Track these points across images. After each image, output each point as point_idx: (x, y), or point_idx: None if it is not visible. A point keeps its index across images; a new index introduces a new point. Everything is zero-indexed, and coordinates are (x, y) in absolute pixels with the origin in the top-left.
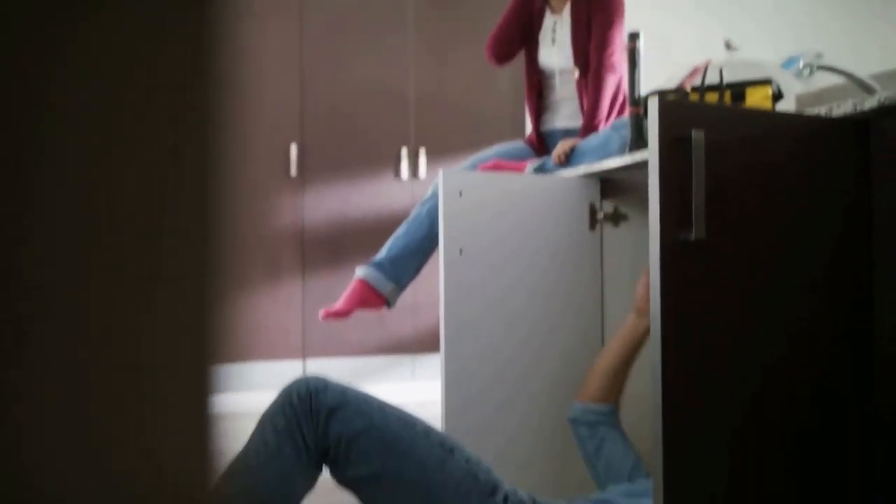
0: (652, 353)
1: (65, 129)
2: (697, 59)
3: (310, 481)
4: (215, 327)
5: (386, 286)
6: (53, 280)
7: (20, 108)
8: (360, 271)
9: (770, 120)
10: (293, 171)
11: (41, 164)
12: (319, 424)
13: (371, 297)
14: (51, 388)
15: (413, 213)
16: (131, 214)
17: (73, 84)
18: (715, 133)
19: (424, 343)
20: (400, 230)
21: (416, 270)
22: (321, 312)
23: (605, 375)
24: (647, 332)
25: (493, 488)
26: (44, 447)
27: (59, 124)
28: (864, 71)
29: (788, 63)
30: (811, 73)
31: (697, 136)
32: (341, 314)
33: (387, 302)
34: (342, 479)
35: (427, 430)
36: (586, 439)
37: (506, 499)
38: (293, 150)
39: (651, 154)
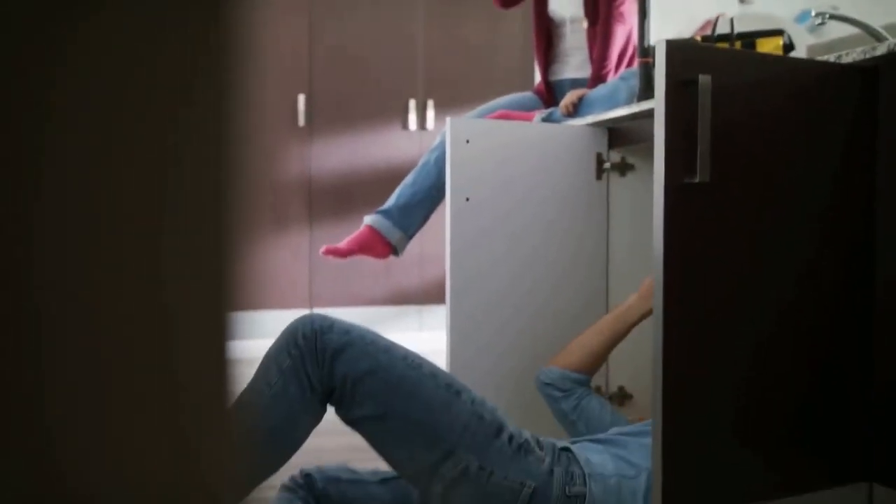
0: (654, 296)
1: (65, 129)
2: (710, 13)
3: (314, 420)
4: (230, 276)
5: (394, 234)
6: (58, 272)
7: (20, 108)
8: (368, 219)
9: (778, 65)
10: (301, 121)
11: (41, 164)
12: (324, 364)
13: (376, 245)
14: (70, 376)
15: (421, 162)
16: (132, 214)
17: (73, 84)
18: (722, 77)
19: (431, 294)
20: (408, 179)
21: (424, 219)
22: (322, 248)
23: (591, 349)
24: (643, 316)
25: (499, 429)
26: (68, 422)
27: (59, 124)
28: (877, 22)
29: (802, 17)
30: (823, 22)
31: (704, 80)
32: (341, 252)
33: (394, 250)
34: (347, 418)
35: (433, 371)
36: (561, 400)
37: (510, 439)
38: (301, 100)
39: (658, 97)
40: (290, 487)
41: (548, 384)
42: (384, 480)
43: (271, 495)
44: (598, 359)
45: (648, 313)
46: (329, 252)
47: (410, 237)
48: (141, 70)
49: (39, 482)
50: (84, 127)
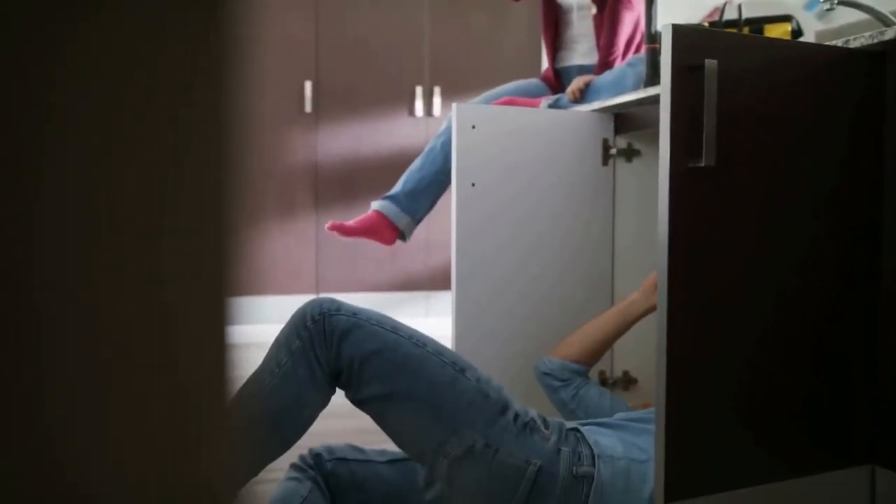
0: (659, 281)
1: (65, 129)
2: (719, 0)
3: (322, 402)
4: (230, 276)
5: (402, 219)
6: (58, 272)
7: (20, 108)
8: (376, 204)
9: (785, 49)
10: (307, 107)
11: (41, 164)
12: (332, 347)
13: (383, 229)
14: (70, 376)
15: (428, 147)
16: (132, 214)
17: (73, 84)
18: (728, 62)
19: (437, 280)
20: (415, 164)
21: (432, 204)
22: (329, 223)
23: (591, 341)
24: (645, 312)
25: (504, 407)
26: (69, 415)
27: (59, 124)
28: (885, 7)
29: (811, 4)
30: (831, 7)
31: (710, 64)
32: (346, 230)
33: (401, 235)
34: (355, 399)
35: (439, 350)
36: (560, 389)
37: (516, 417)
38: (308, 87)
39: (663, 82)
40: (300, 467)
41: (546, 374)
42: (392, 462)
43: (279, 476)
44: (598, 351)
45: (651, 309)
46: (334, 228)
47: (418, 222)
48: (141, 70)
49: (39, 482)
50: (84, 127)
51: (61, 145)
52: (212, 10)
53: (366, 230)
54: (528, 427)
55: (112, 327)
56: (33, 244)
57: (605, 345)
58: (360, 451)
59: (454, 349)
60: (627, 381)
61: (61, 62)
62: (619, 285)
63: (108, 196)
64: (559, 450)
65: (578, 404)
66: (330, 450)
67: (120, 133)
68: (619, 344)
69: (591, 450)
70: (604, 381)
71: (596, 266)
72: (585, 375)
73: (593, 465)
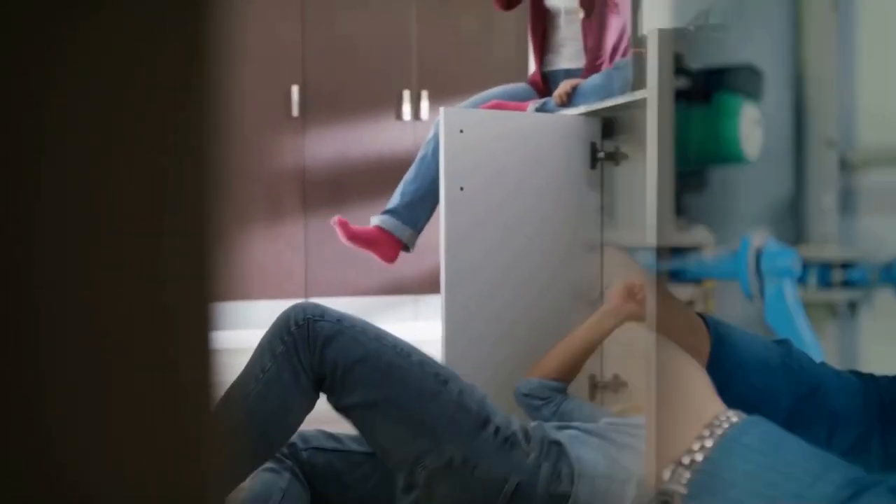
0: (648, 283)
1: (65, 129)
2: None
3: (308, 406)
4: (217, 266)
5: (404, 231)
6: (58, 272)
7: (20, 108)
8: (376, 219)
9: None
10: (295, 111)
11: (41, 164)
12: (315, 352)
13: (384, 244)
14: (70, 376)
15: (419, 156)
16: (132, 214)
17: (73, 84)
18: None
19: (426, 284)
20: (409, 174)
21: (431, 212)
22: (337, 218)
23: (567, 358)
24: (616, 325)
25: (485, 420)
26: (67, 420)
27: (59, 124)
28: None
29: None
30: None
31: None
32: (350, 232)
33: (405, 246)
34: (338, 406)
35: (422, 361)
36: (542, 408)
37: (497, 431)
38: (295, 90)
39: (650, 85)
40: (277, 458)
41: (526, 395)
42: (370, 453)
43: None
44: (575, 367)
45: (621, 321)
46: (341, 224)
47: (420, 231)
48: (141, 70)
49: (39, 482)
50: (84, 127)
51: (61, 145)
52: (203, 11)
53: (367, 243)
54: (509, 442)
55: (112, 327)
56: (33, 244)
57: (580, 360)
58: (336, 439)
59: (443, 353)
60: (617, 385)
61: (61, 62)
62: (608, 289)
63: (108, 196)
64: (539, 465)
65: (560, 420)
66: (304, 438)
67: (120, 133)
68: (608, 347)
69: (572, 467)
70: (594, 385)
71: (584, 269)
72: (564, 392)
73: (571, 483)
